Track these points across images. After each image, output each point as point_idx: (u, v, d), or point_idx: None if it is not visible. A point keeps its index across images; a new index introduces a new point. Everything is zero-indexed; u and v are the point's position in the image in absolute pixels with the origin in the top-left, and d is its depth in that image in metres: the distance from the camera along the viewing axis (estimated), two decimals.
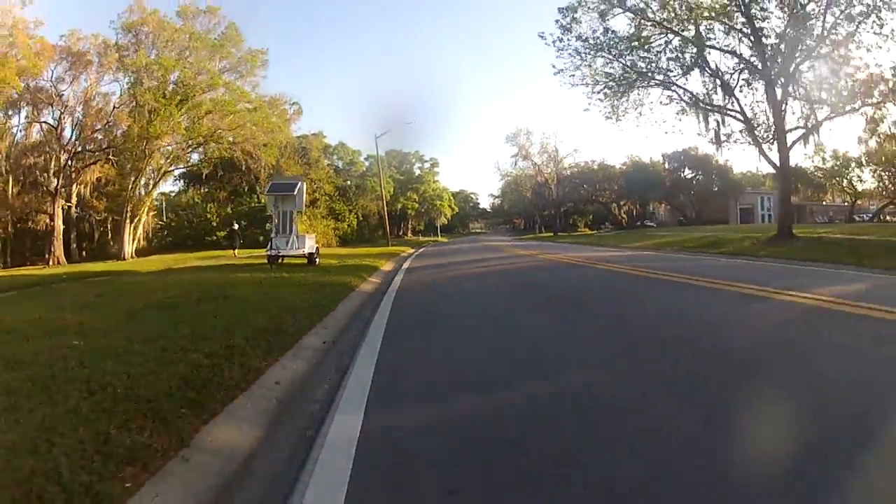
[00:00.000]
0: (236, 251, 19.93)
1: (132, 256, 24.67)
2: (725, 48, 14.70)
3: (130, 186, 24.79)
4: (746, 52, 14.44)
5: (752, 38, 13.90)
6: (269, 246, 12.33)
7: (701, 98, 15.18)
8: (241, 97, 24.74)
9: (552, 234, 44.96)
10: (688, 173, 47.08)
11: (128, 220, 25.34)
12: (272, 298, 5.57)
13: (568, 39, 15.81)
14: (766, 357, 2.93)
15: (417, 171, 63.65)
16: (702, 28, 14.30)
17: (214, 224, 29.08)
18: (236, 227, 22.61)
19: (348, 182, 43.43)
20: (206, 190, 32.86)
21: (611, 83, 15.62)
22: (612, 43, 15.18)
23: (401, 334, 4.17)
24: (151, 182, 26.82)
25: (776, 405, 2.21)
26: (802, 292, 4.97)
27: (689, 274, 7.27)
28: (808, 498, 1.43)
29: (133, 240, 26.40)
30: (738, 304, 4.74)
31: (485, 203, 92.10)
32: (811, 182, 38.55)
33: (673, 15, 13.95)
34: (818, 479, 1.52)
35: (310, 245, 12.25)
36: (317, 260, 12.21)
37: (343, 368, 3.15)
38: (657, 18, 14.22)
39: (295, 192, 12.50)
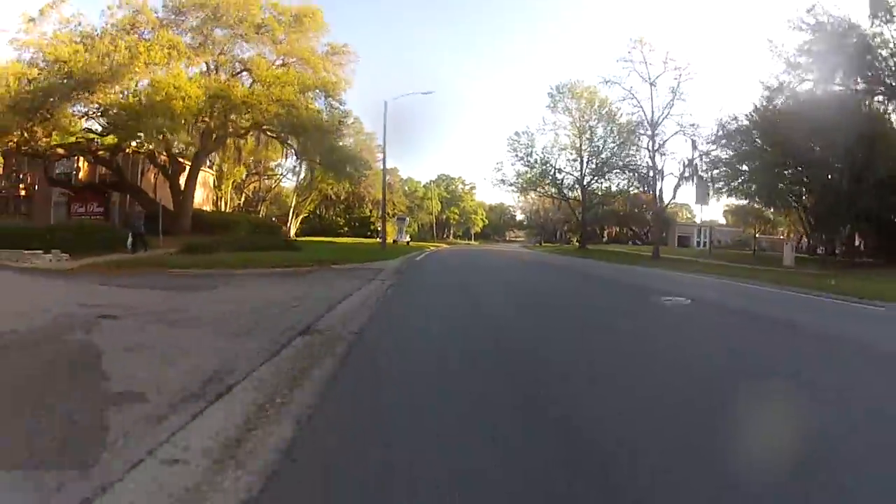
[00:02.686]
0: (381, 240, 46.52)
1: (296, 237, 51.17)
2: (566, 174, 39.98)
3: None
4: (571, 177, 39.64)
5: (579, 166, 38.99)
6: (394, 239, 38.51)
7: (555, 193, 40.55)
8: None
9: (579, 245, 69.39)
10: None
11: (294, 215, 52.18)
12: (376, 253, 31.20)
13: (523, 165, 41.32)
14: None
15: (460, 191, 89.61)
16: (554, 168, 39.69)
17: (341, 223, 56.20)
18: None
19: (414, 203, 70.20)
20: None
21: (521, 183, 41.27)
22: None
23: (431, 259, 30.10)
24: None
25: (554, 309, 28.02)
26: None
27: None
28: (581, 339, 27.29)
29: (294, 227, 53.19)
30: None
31: (520, 215, 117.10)
32: None
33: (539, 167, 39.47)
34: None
35: (407, 237, 38.51)
36: (410, 244, 38.41)
37: (411, 259, 28.96)
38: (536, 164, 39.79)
39: (406, 219, 38.91)
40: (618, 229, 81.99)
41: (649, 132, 30.53)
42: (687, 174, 29.35)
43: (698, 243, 61.28)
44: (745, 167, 27.66)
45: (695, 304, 8.27)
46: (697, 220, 68.91)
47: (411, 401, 2.98)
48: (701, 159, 29.75)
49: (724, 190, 29.74)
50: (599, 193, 40.04)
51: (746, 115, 26.80)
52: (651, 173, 31.81)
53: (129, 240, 17.28)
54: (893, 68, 22.90)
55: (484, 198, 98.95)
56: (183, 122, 19.11)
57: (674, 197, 32.56)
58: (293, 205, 51.24)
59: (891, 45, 22.79)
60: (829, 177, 25.13)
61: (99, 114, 20.74)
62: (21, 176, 32.77)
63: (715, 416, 2.84)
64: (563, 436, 2.43)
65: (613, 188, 39.63)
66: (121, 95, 18.86)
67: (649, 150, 31.56)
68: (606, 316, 7.30)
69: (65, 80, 19.00)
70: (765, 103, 26.29)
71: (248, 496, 1.79)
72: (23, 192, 33.90)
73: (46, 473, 1.90)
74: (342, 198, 55.41)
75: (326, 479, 1.99)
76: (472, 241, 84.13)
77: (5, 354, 3.73)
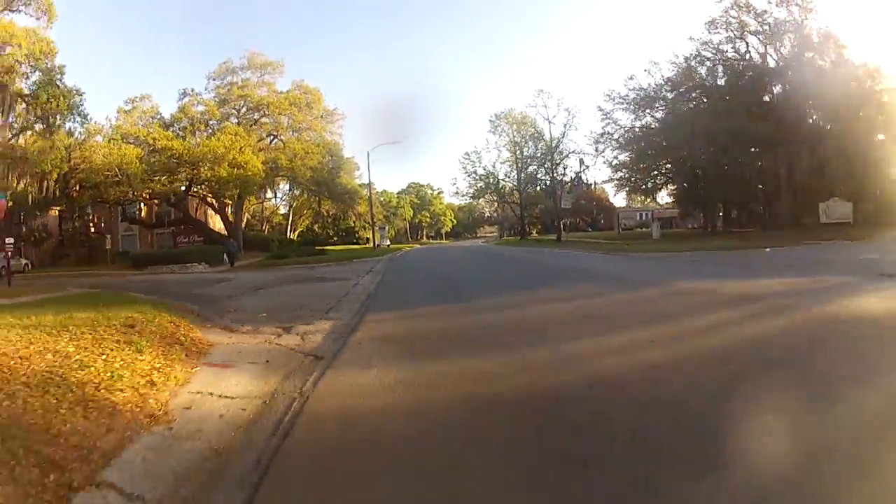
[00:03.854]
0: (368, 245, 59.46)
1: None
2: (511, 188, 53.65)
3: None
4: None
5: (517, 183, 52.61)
6: (377, 243, 51.60)
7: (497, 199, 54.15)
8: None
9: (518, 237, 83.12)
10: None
11: (291, 229, 64.84)
12: (372, 252, 44.38)
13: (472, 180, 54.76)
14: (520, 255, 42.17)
15: (429, 196, 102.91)
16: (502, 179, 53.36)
17: (331, 233, 69.01)
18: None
19: (389, 211, 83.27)
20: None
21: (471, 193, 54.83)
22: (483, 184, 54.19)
23: (407, 254, 43.37)
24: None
25: (460, 264, 41.35)
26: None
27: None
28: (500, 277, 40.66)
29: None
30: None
31: (488, 213, 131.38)
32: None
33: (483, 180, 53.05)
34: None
35: (387, 241, 51.64)
36: (390, 246, 51.55)
37: (388, 261, 42.17)
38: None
39: (385, 227, 52.07)
40: (569, 221, 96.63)
41: (549, 156, 44.49)
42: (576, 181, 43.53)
43: (622, 227, 74.06)
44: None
45: (520, 254, 21.68)
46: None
47: (406, 281, 16.27)
48: (584, 171, 44.13)
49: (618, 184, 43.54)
50: (532, 194, 53.50)
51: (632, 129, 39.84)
52: (550, 184, 45.86)
53: (226, 258, 29.84)
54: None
55: (455, 199, 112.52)
56: (254, 186, 32.29)
57: (566, 195, 45.87)
58: (290, 221, 63.79)
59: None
60: (698, 172, 37.49)
61: (194, 181, 33.43)
62: (89, 217, 44.73)
63: (484, 277, 16.16)
64: (450, 287, 15.61)
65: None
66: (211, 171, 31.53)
67: (547, 169, 45.80)
68: (481, 264, 20.54)
69: (175, 161, 31.69)
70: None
71: (373, 291, 15.07)
72: (92, 229, 46.04)
73: (282, 326, 15.11)
74: (331, 213, 68.42)
75: (399, 275, 15.25)
76: (444, 240, 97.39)
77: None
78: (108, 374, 3.79)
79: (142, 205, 42.25)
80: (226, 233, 39.36)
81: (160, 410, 3.43)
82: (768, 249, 17.27)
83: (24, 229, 37.33)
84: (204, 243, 35.94)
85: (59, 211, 41.17)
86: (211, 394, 3.89)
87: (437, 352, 5.14)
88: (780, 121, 28.48)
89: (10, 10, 22.07)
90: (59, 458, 2.57)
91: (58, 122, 23.96)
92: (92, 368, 3.88)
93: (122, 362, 4.16)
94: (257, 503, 2.34)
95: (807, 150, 28.75)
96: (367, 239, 55.51)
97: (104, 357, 4.26)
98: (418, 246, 60.42)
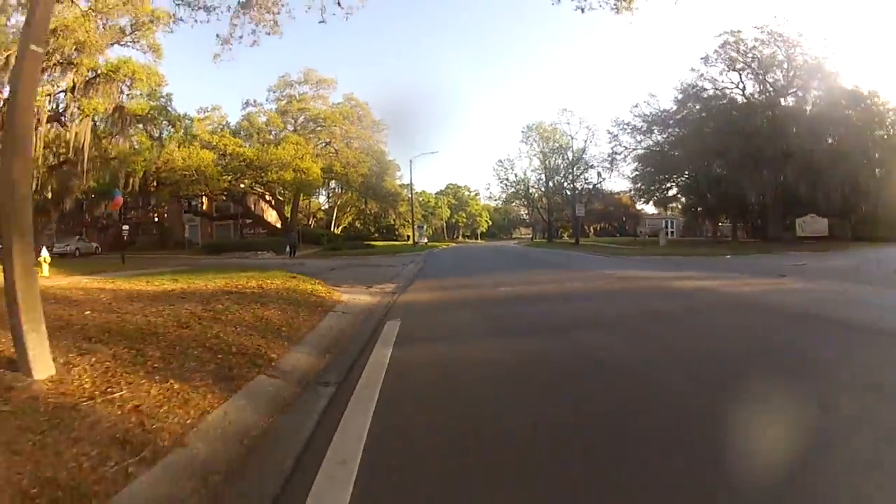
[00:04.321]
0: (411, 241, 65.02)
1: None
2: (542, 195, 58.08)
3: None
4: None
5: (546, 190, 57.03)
6: (416, 241, 56.92)
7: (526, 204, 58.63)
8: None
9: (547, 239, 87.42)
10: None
11: (335, 226, 70.94)
12: (412, 248, 49.62)
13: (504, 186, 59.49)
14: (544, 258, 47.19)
15: (466, 197, 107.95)
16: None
17: (372, 230, 74.83)
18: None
19: (427, 211, 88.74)
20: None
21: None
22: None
23: (443, 251, 48.51)
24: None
25: (483, 260, 46.35)
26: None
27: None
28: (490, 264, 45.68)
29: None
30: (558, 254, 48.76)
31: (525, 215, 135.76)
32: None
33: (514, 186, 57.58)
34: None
35: (425, 239, 56.86)
36: (427, 244, 56.77)
37: (426, 255, 47.30)
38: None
39: (424, 227, 57.35)
40: (600, 225, 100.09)
41: (571, 169, 49.03)
42: (594, 192, 47.87)
43: (639, 233, 77.24)
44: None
45: (532, 253, 26.43)
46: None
47: (444, 264, 21.41)
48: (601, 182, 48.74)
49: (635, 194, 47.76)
50: (559, 202, 57.89)
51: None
52: (570, 194, 50.28)
53: (288, 248, 35.51)
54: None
55: (490, 202, 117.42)
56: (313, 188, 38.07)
57: (579, 205, 50.09)
58: (334, 217, 69.80)
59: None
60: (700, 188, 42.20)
61: (259, 182, 39.39)
62: (153, 206, 51.22)
63: (488, 265, 21.11)
64: (466, 269, 20.67)
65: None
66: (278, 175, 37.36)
67: (568, 181, 50.29)
68: (493, 258, 25.44)
69: (245, 165, 37.63)
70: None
71: (417, 272, 20.17)
72: (156, 219, 52.82)
73: (364, 286, 20.24)
74: (373, 211, 74.23)
75: (434, 265, 20.33)
76: (479, 240, 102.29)
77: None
78: (311, 289, 8.96)
79: (204, 199, 48.70)
80: (280, 226, 45.37)
81: (340, 300, 8.59)
82: (728, 256, 21.55)
83: (87, 217, 43.83)
84: (266, 235, 41.91)
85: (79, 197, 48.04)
86: (354, 300, 9.05)
87: (450, 289, 10.35)
88: (770, 144, 32.26)
89: (118, 44, 27.78)
90: (317, 303, 7.73)
91: (164, 137, 30.12)
92: (301, 287, 9.05)
93: (313, 287, 9.35)
94: (388, 315, 7.39)
95: (794, 171, 32.47)
96: (408, 236, 60.90)
97: (305, 284, 9.46)
98: (454, 245, 65.51)
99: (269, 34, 10.27)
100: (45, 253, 16.07)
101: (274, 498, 2.28)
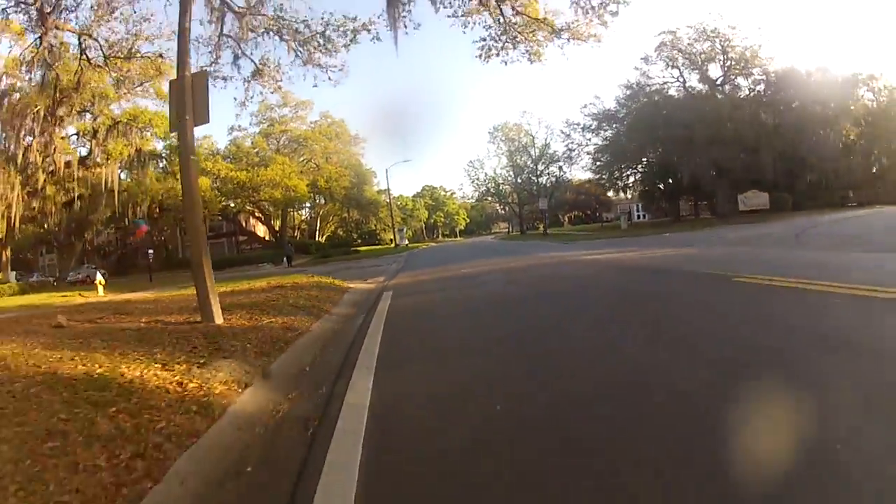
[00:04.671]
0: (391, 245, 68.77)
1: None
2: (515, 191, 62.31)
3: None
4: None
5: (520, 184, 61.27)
6: (397, 243, 60.79)
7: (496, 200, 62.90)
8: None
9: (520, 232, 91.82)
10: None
11: (319, 234, 74.55)
12: (394, 250, 53.67)
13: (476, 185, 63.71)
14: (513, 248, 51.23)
15: (443, 197, 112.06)
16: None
17: (355, 236, 78.44)
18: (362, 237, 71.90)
19: (406, 214, 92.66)
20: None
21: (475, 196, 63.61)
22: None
23: (424, 250, 52.52)
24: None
25: (456, 253, 50.38)
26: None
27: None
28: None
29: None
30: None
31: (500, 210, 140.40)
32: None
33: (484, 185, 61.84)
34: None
35: (405, 241, 60.74)
36: (408, 245, 60.66)
37: (407, 255, 51.27)
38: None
39: (404, 230, 61.23)
40: (574, 214, 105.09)
41: (532, 166, 53.70)
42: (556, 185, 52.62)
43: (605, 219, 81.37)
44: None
45: (500, 246, 30.56)
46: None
47: (421, 261, 25.36)
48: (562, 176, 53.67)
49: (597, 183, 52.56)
50: (527, 196, 62.29)
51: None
52: (537, 190, 54.87)
53: (284, 259, 39.26)
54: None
55: (464, 200, 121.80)
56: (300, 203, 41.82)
57: (542, 198, 54.65)
58: (318, 227, 73.33)
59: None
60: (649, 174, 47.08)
61: (251, 202, 42.99)
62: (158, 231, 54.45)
63: (458, 257, 25.20)
64: (440, 262, 24.67)
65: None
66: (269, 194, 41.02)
67: (534, 176, 54.90)
68: (465, 252, 29.50)
69: (238, 187, 41.23)
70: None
71: (399, 268, 24.18)
72: (155, 242, 55.95)
73: (361, 280, 24.23)
74: (354, 219, 78.00)
75: (414, 262, 24.34)
76: (458, 238, 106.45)
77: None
78: (329, 282, 12.94)
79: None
80: (270, 239, 49.00)
81: (350, 287, 12.62)
82: (668, 234, 25.85)
83: (87, 246, 47.17)
84: (261, 249, 45.52)
85: (115, 228, 51.37)
86: (359, 287, 13.07)
87: (423, 275, 14.29)
88: (707, 129, 36.91)
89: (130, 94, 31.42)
90: (337, 288, 11.74)
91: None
92: (322, 281, 13.01)
93: (330, 281, 13.33)
94: (384, 290, 11.38)
95: (730, 151, 37.15)
96: (390, 240, 64.69)
97: (323, 279, 13.44)
98: (433, 244, 69.42)
99: (272, 93, 14.26)
100: (99, 276, 19.77)
101: (352, 341, 6.27)
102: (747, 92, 41.98)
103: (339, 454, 2.62)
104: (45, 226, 35.89)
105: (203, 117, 7.85)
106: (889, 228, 16.23)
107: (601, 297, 7.32)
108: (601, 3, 10.43)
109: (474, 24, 11.54)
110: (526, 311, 6.66)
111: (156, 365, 4.16)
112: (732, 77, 40.09)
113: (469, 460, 2.39)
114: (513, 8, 10.76)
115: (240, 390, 3.86)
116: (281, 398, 3.81)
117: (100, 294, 18.30)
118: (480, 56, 12.22)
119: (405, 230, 71.89)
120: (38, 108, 25.40)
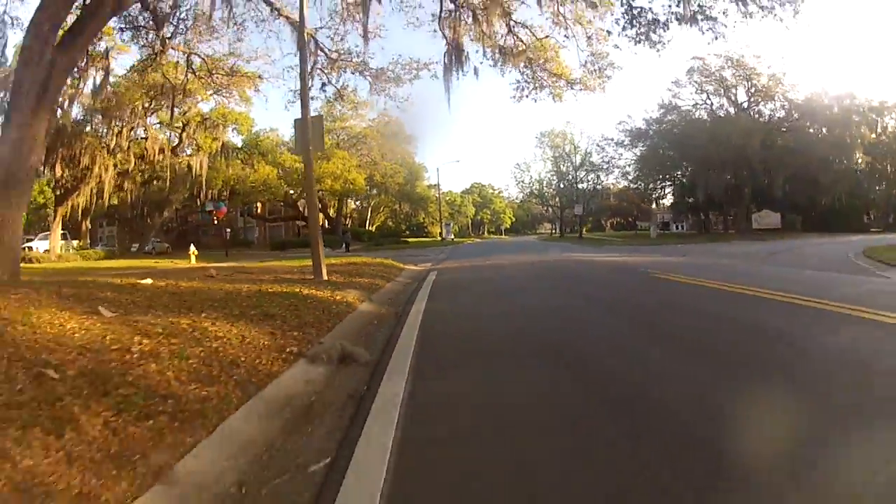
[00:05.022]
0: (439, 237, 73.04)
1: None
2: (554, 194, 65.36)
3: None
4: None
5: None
6: (444, 237, 64.79)
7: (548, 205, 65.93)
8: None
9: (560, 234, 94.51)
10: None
11: (369, 224, 79.41)
12: (440, 243, 57.54)
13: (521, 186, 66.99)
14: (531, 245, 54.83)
15: (490, 195, 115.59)
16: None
17: (403, 228, 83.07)
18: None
19: (454, 209, 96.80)
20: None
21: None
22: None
23: (467, 245, 56.34)
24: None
25: (498, 248, 54.05)
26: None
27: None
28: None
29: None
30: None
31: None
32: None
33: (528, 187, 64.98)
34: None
35: (452, 235, 64.69)
36: (454, 239, 64.60)
37: (452, 248, 55.08)
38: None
39: (451, 224, 65.19)
40: (616, 220, 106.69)
41: (574, 173, 56.86)
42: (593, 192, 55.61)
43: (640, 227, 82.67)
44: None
45: (534, 245, 34.04)
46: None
47: (463, 254, 29.17)
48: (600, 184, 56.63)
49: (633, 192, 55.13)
50: (567, 199, 65.23)
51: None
52: (575, 196, 57.84)
53: (343, 244, 43.80)
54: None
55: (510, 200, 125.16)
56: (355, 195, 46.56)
57: (577, 205, 57.26)
58: (369, 216, 78.31)
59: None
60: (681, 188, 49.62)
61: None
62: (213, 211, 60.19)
63: (494, 251, 28.95)
64: (479, 254, 28.43)
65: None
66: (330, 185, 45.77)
67: (573, 184, 57.95)
68: (508, 249, 33.11)
69: (301, 177, 46.11)
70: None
71: (445, 257, 28.07)
72: (215, 221, 61.83)
73: (413, 264, 28.17)
74: (405, 211, 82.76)
75: (456, 253, 28.21)
76: (503, 236, 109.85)
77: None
78: (391, 263, 16.96)
79: (258, 204, 57.37)
80: (327, 226, 53.80)
81: (404, 268, 16.60)
82: (680, 245, 28.74)
83: (148, 221, 53.02)
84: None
85: (176, 207, 57.19)
86: (411, 269, 17.07)
87: (469, 262, 18.17)
88: (731, 151, 39.10)
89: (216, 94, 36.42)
90: (396, 268, 15.73)
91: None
92: (385, 262, 17.05)
93: (391, 262, 17.36)
94: (434, 274, 15.27)
95: (761, 172, 39.24)
96: (438, 233, 68.89)
97: (385, 261, 17.52)
98: (477, 240, 73.24)
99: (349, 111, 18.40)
100: (193, 248, 24.55)
101: (414, 289, 10.12)
102: (767, 118, 43.74)
103: (408, 328, 6.44)
104: (128, 201, 41.78)
105: (319, 147, 11.89)
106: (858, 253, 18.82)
107: (559, 277, 11.18)
108: (600, 68, 13.97)
109: (511, 70, 15.21)
110: (514, 281, 10.55)
111: (312, 288, 8.10)
112: (756, 101, 42.09)
113: (480, 335, 6.20)
114: (539, 66, 14.42)
115: (361, 302, 7.79)
116: (381, 308, 7.73)
117: (192, 262, 22.87)
118: (514, 97, 15.91)
119: (452, 225, 76.03)
120: (137, 104, 30.37)
